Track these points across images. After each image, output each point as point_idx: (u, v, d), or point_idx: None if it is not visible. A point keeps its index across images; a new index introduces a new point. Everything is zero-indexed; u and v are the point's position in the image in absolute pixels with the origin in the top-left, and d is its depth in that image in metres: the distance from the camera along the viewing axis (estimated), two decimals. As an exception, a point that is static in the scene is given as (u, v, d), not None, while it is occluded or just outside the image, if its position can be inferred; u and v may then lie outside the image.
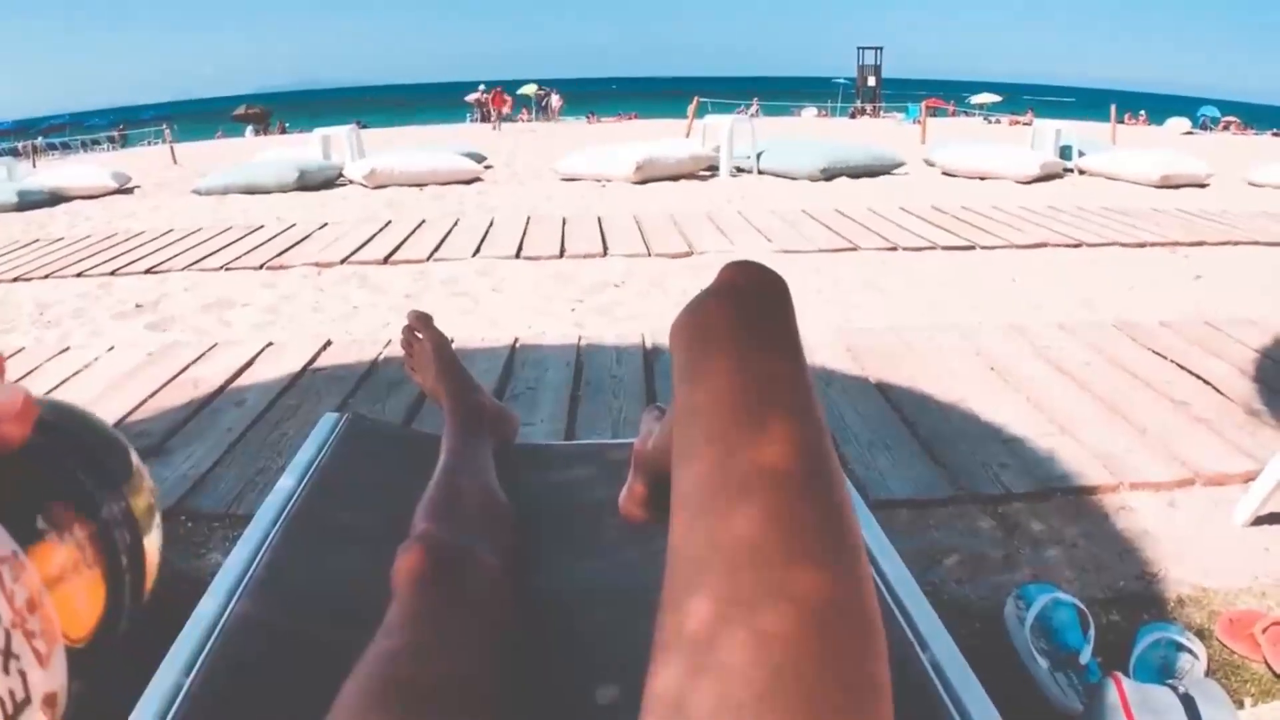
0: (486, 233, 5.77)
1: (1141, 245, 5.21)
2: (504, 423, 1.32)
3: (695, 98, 14.16)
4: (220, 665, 0.84)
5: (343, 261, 5.04)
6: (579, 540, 1.11)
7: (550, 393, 2.82)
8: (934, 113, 23.23)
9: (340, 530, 1.13)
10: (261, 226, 6.35)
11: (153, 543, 0.31)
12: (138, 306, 4.25)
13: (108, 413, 2.67)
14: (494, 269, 4.79)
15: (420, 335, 1.35)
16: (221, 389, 2.94)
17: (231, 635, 0.88)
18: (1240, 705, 1.45)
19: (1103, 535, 1.98)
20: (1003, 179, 8.47)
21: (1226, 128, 25.41)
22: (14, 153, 19.41)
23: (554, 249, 5.21)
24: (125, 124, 31.73)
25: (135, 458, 0.31)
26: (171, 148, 16.29)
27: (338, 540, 1.11)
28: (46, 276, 4.99)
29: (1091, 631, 1.52)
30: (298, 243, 5.66)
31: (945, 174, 9.21)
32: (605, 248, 5.19)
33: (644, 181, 8.45)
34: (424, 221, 6.32)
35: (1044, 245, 5.18)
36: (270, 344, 3.41)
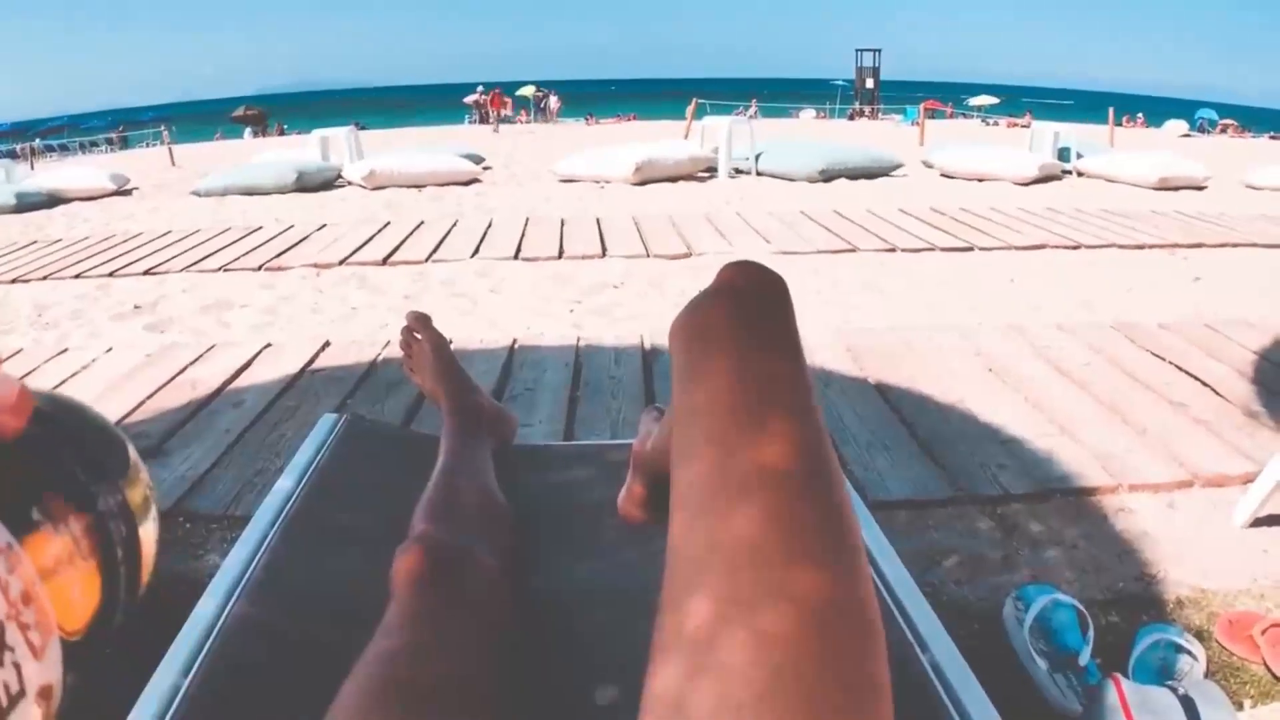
0: (485, 234, 5.77)
1: (1140, 247, 5.21)
2: (502, 423, 1.32)
3: (694, 99, 14.17)
4: (218, 666, 0.84)
5: (341, 263, 5.04)
6: (578, 541, 1.11)
7: (549, 393, 2.82)
8: (932, 115, 23.25)
9: (339, 531, 1.13)
10: (260, 228, 6.35)
11: (149, 535, 0.31)
12: (136, 308, 4.25)
13: (106, 414, 2.64)
14: (493, 270, 4.79)
15: (419, 336, 1.34)
16: (220, 390, 2.94)
17: (230, 636, 0.88)
18: (1239, 707, 1.45)
19: (1102, 536, 1.98)
20: (1001, 181, 8.48)
21: (1224, 130, 25.44)
22: (12, 154, 19.42)
23: (553, 250, 5.21)
24: (125, 125, 31.72)
25: (132, 451, 0.31)
26: (170, 149, 16.29)
27: (336, 541, 1.10)
28: (45, 278, 4.98)
29: (1091, 633, 1.52)
30: (296, 244, 5.65)
31: (944, 176, 9.22)
32: (604, 249, 5.19)
33: (642, 183, 8.45)
34: (423, 223, 6.32)
35: (1043, 247, 5.18)
36: (269, 345, 3.40)
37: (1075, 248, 5.18)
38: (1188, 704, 1.30)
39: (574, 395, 2.82)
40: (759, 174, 9.04)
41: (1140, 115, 27.15)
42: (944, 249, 5.13)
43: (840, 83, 39.89)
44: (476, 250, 5.25)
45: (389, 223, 6.36)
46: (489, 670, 0.73)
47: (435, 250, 5.29)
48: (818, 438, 0.40)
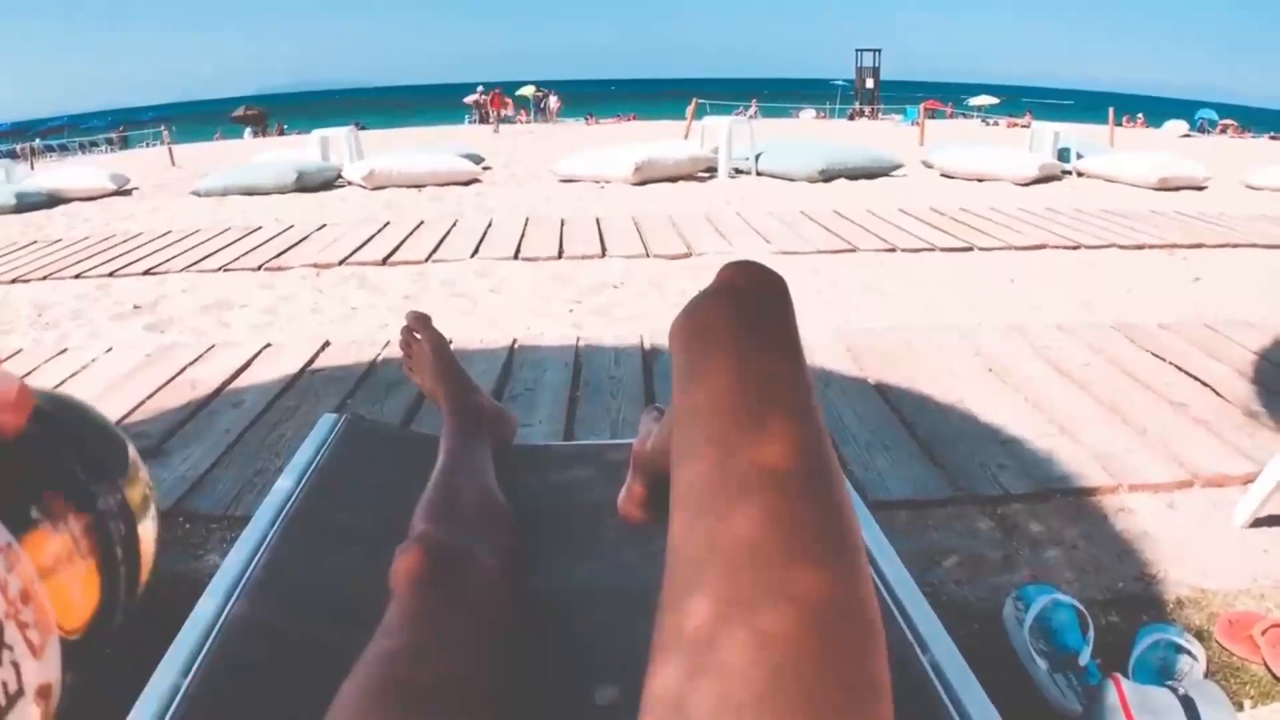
0: (485, 234, 5.77)
1: (1140, 247, 5.21)
2: (502, 423, 1.32)
3: (694, 99, 14.17)
4: (218, 666, 0.84)
5: (341, 262, 5.04)
6: (578, 541, 1.11)
7: (548, 393, 2.82)
8: (932, 115, 23.24)
9: (339, 531, 1.13)
10: (260, 228, 6.35)
11: (148, 534, 0.31)
12: (136, 308, 4.25)
13: (106, 413, 2.66)
14: (492, 270, 4.79)
15: (419, 336, 1.34)
16: (220, 390, 2.94)
17: (229, 636, 0.88)
18: (1239, 707, 1.45)
19: (1102, 536, 1.98)
20: (1001, 181, 8.49)
21: (1224, 130, 25.43)
22: (12, 154, 19.41)
23: (552, 250, 5.21)
24: (125, 125, 31.72)
25: (132, 451, 0.31)
26: (170, 149, 16.29)
27: (336, 541, 1.10)
28: (45, 278, 4.98)
29: (1091, 633, 1.52)
30: (296, 244, 5.65)
31: (943, 176, 9.22)
32: (604, 249, 5.19)
33: (642, 183, 8.45)
34: (422, 223, 6.32)
35: (1042, 247, 5.18)
36: (269, 345, 3.40)
37: (1075, 248, 5.18)
38: (1188, 704, 1.30)
39: (574, 395, 2.82)
40: (759, 174, 9.04)
41: (1140, 115, 27.14)
42: (944, 249, 5.13)
43: (840, 83, 39.88)
44: (476, 250, 5.25)
45: (389, 223, 6.36)
46: (489, 670, 0.73)
47: (435, 250, 5.29)
48: (818, 438, 0.40)
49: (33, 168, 14.99)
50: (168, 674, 0.82)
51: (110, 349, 3.47)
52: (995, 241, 5.28)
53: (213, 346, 3.41)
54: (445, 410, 1.23)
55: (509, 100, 28.87)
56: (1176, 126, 24.50)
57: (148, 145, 24.05)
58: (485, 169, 10.31)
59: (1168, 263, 4.88)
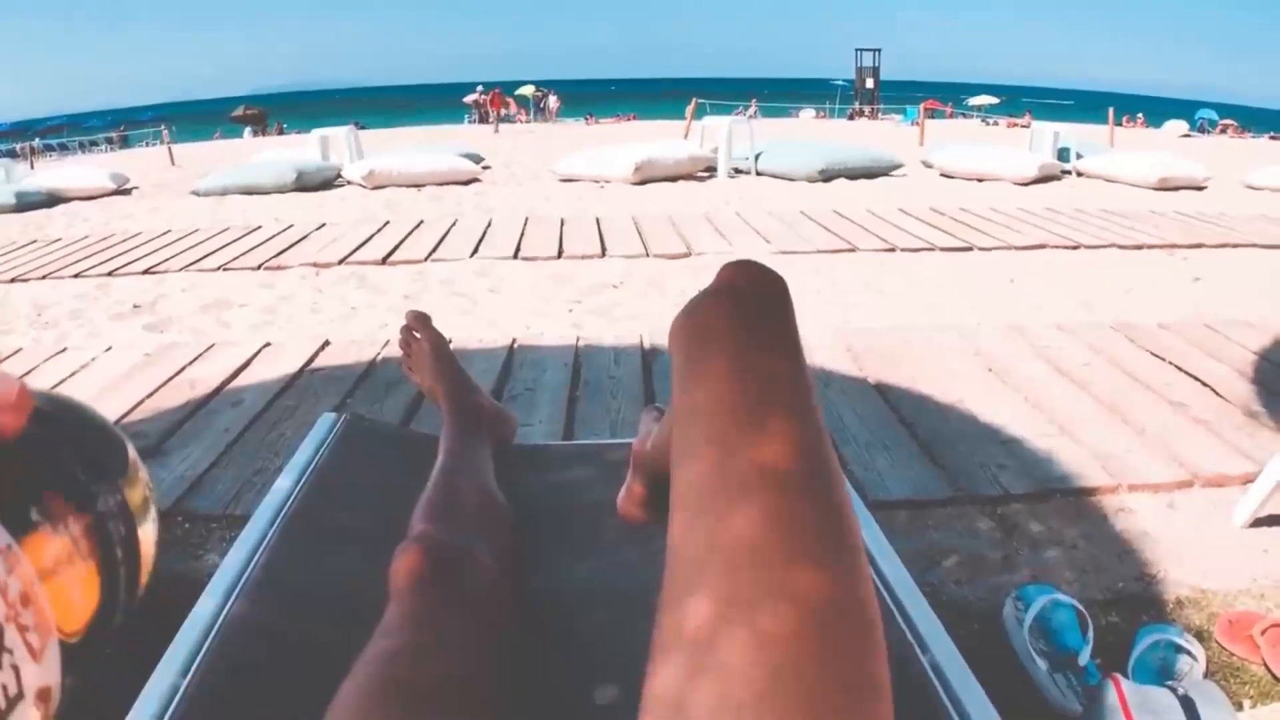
0: (484, 233, 5.77)
1: (1140, 247, 5.21)
2: (502, 423, 1.32)
3: (694, 99, 14.17)
4: (217, 666, 0.84)
5: (341, 262, 5.04)
6: (578, 541, 1.11)
7: (548, 393, 2.82)
8: (932, 114, 23.23)
9: (338, 531, 1.12)
10: (259, 227, 6.35)
11: (148, 536, 0.31)
12: (135, 307, 4.25)
13: (105, 413, 2.65)
14: (492, 270, 4.79)
15: (418, 335, 1.34)
16: (219, 389, 2.94)
17: (229, 636, 0.88)
18: (1239, 707, 1.45)
19: (1102, 536, 1.98)
20: (1001, 181, 8.49)
21: (1224, 130, 25.42)
22: (12, 154, 19.39)
23: (552, 250, 5.21)
24: (126, 125, 31.71)
25: (132, 451, 0.31)
26: (169, 149, 16.28)
27: (335, 541, 1.10)
28: (44, 277, 4.98)
29: (1090, 633, 1.52)
30: (296, 243, 5.65)
31: (943, 175, 9.22)
32: (603, 248, 5.19)
33: (642, 182, 8.45)
34: (422, 222, 6.32)
35: (1042, 247, 5.19)
36: (268, 344, 3.40)
37: (1075, 248, 5.18)
38: (1187, 704, 1.30)
39: (573, 395, 2.82)
40: (759, 174, 9.04)
41: (1140, 115, 27.15)
42: (944, 249, 5.13)
43: (840, 82, 39.86)
44: (476, 250, 5.24)
45: (388, 222, 6.36)
46: (489, 670, 0.73)
47: (435, 250, 5.29)
48: (818, 438, 0.40)
49: (32, 167, 14.98)
50: (167, 674, 0.82)
51: (109, 348, 3.47)
52: (995, 241, 5.28)
53: (212, 346, 3.41)
54: (445, 410, 1.23)
55: (510, 100, 28.87)
56: (1176, 126, 24.50)
57: (147, 145, 24.04)
58: (485, 168, 10.31)
59: (1167, 263, 4.88)
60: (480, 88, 28.87)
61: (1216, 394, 2.73)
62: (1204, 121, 27.53)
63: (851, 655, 0.33)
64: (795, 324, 0.45)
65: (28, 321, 4.08)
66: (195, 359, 3.24)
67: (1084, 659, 1.48)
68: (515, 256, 5.08)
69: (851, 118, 29.12)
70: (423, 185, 8.64)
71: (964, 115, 29.91)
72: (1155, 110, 32.30)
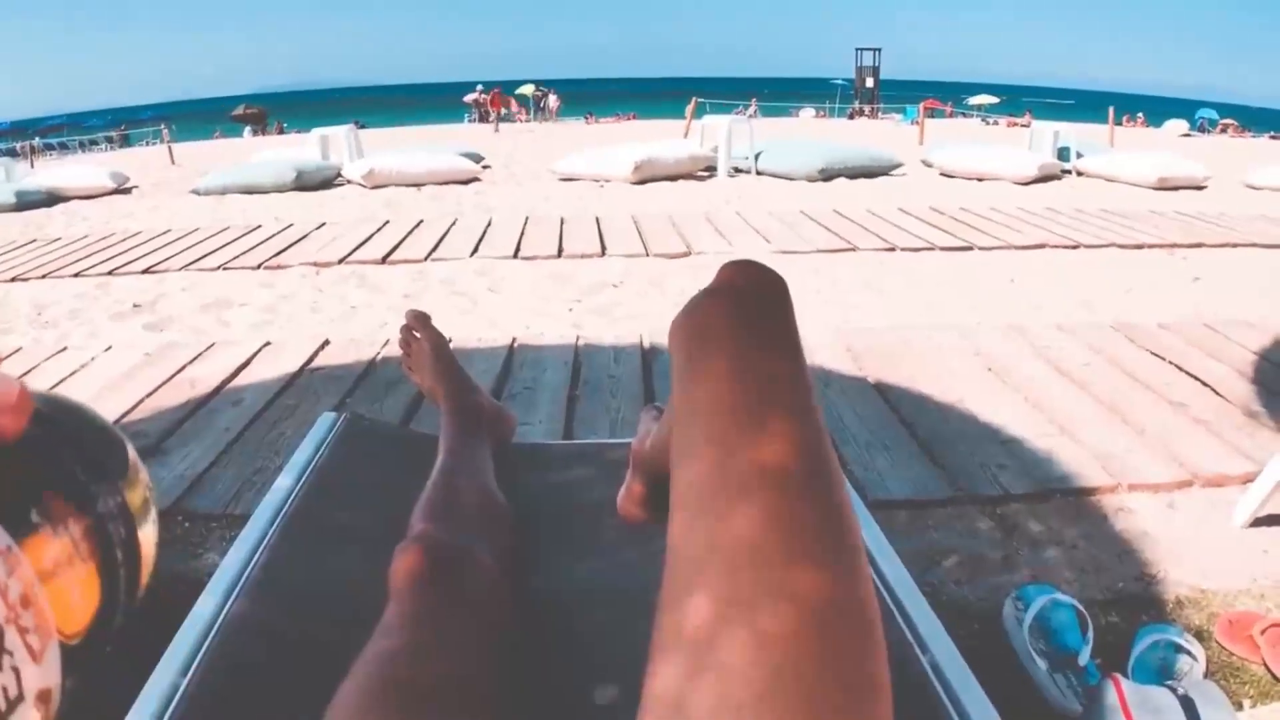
0: (484, 233, 5.77)
1: (1140, 247, 5.21)
2: (502, 423, 1.32)
3: (693, 98, 14.16)
4: (217, 665, 0.84)
5: (341, 261, 5.04)
6: (577, 540, 1.11)
7: (548, 393, 2.82)
8: (932, 114, 23.23)
9: (338, 530, 1.13)
10: (259, 226, 6.35)
11: (148, 537, 0.30)
12: (135, 306, 4.25)
13: (105, 413, 2.64)
14: (492, 269, 4.79)
15: (418, 335, 1.34)
16: (219, 389, 2.94)
17: (229, 635, 0.88)
18: (1239, 707, 1.45)
19: (1101, 536, 1.98)
20: (1001, 180, 8.49)
21: (1224, 130, 25.43)
22: (12, 153, 19.38)
23: (552, 249, 5.21)
24: (126, 124, 31.70)
25: (132, 452, 0.31)
26: (169, 148, 16.28)
27: (335, 540, 1.10)
28: (44, 276, 4.98)
29: (1090, 632, 1.52)
30: (296, 242, 5.65)
31: (943, 175, 9.22)
32: (603, 248, 5.19)
33: (642, 182, 8.45)
34: (422, 221, 6.32)
35: (1042, 246, 5.19)
36: (268, 344, 3.40)
37: (1075, 247, 5.18)
38: (1187, 704, 1.30)
39: (573, 394, 2.82)
40: (758, 173, 9.04)
41: (1140, 115, 27.16)
42: (944, 248, 5.13)
43: (840, 82, 39.86)
44: (476, 249, 5.24)
45: (388, 221, 6.36)
46: (489, 670, 0.73)
47: (434, 249, 5.29)
48: (818, 438, 0.40)
49: (32, 166, 14.98)
50: (167, 673, 0.82)
51: (109, 348, 3.47)
52: (995, 241, 5.28)
53: (212, 345, 3.41)
54: (444, 409, 1.23)
55: (510, 99, 28.86)
56: (1176, 126, 24.51)
57: (147, 144, 24.05)
58: (485, 168, 10.31)
59: (1168, 262, 4.88)
60: (480, 87, 28.87)
61: (1216, 394, 2.73)
62: (1204, 121, 27.54)
63: (851, 655, 0.33)
64: (795, 323, 0.45)
65: (27, 321, 4.08)
66: (195, 358, 3.24)
67: (1084, 659, 1.48)
68: (515, 256, 5.08)
69: (851, 117, 29.13)
70: (422, 185, 8.64)
71: (964, 115, 29.91)
72: (1155, 110, 32.31)
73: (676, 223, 5.97)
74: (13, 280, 4.95)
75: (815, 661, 0.32)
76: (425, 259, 5.06)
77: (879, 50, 33.42)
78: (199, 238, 5.97)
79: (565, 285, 4.40)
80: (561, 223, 6.08)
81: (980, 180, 8.62)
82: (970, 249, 5.13)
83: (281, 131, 28.15)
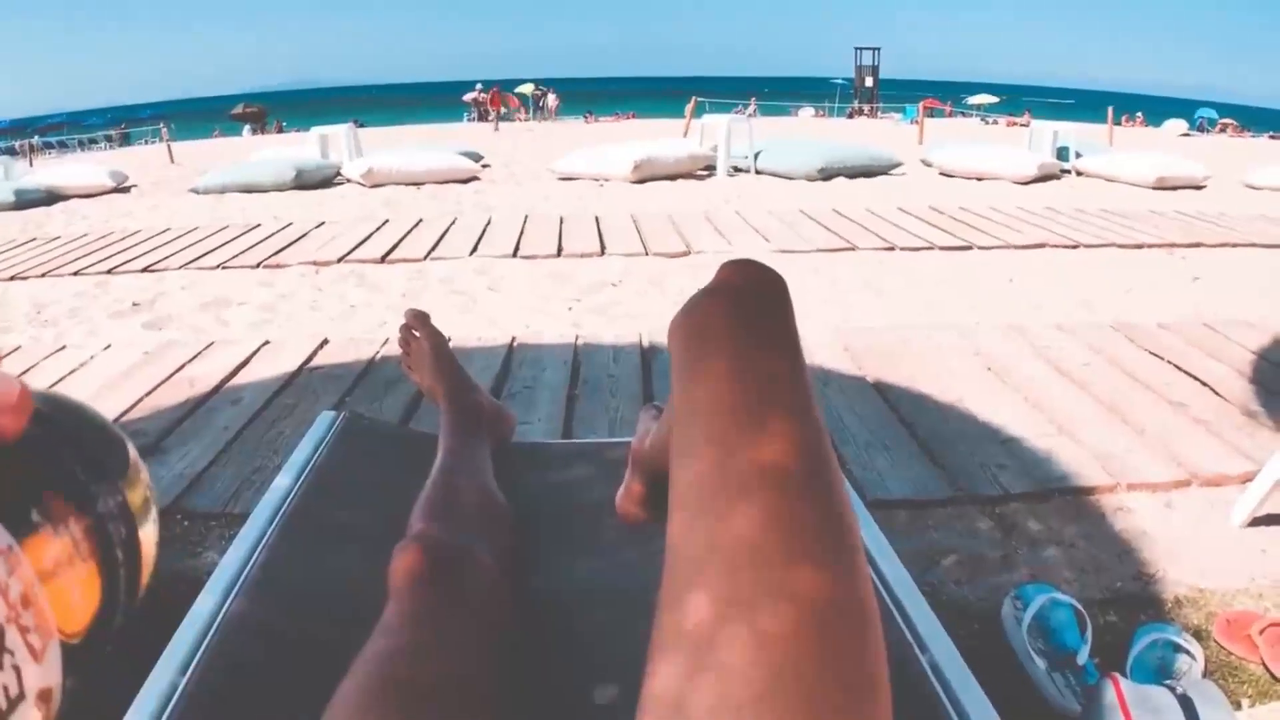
0: (484, 232, 5.76)
1: (1139, 247, 5.21)
2: (501, 422, 1.32)
3: (693, 97, 14.16)
4: (216, 664, 0.84)
5: (340, 260, 5.04)
6: (577, 540, 1.11)
7: (547, 392, 2.82)
8: (931, 113, 23.22)
9: (337, 529, 1.12)
10: (259, 225, 6.35)
11: (149, 537, 0.30)
12: (134, 305, 4.25)
13: (104, 411, 2.63)
14: (491, 268, 4.79)
15: (417, 334, 1.34)
16: (218, 387, 2.94)
17: (227, 634, 0.88)
18: (1237, 706, 1.45)
19: (1101, 536, 1.98)
20: (1000, 180, 8.48)
21: (1224, 130, 25.43)
22: (11, 151, 19.36)
23: (551, 248, 5.20)
24: (126, 123, 31.68)
25: (132, 451, 0.31)
26: (169, 146, 16.26)
27: (334, 539, 1.10)
28: (43, 275, 4.98)
29: (1089, 632, 1.52)
30: (295, 241, 5.65)
31: (943, 174, 9.22)
32: (603, 247, 5.19)
33: (641, 181, 8.45)
34: (421, 220, 6.32)
35: (1042, 246, 5.19)
36: (267, 342, 3.40)
37: (1074, 247, 5.18)
38: (1186, 703, 1.30)
39: (572, 393, 2.82)
40: (758, 172, 9.03)
41: (1140, 114, 27.17)
42: (943, 248, 5.13)
43: (839, 81, 39.83)
44: (475, 248, 5.24)
45: (387, 220, 6.35)
46: (488, 670, 0.73)
47: (434, 248, 5.29)
48: (817, 437, 0.40)
49: (32, 165, 14.96)
50: (166, 672, 0.82)
51: (109, 346, 3.47)
52: (994, 240, 5.28)
53: (211, 344, 3.41)
54: (444, 408, 1.23)
55: (511, 97, 28.85)
56: (1176, 126, 24.53)
57: (146, 142, 24.05)
58: (484, 167, 10.31)
59: (1167, 262, 4.88)
60: (479, 86, 28.85)
61: (1216, 394, 2.74)
62: (1203, 121, 27.54)
63: (851, 655, 0.33)
64: (794, 323, 0.45)
65: (26, 320, 4.07)
66: (194, 357, 3.24)
67: (1082, 658, 1.48)
68: (514, 255, 5.07)
69: (851, 116, 29.14)
70: (422, 184, 8.64)
71: (963, 114, 29.93)
72: (1155, 109, 32.32)
73: (676, 222, 5.97)
74: (12, 279, 4.94)
75: (815, 661, 0.32)
76: (424, 258, 5.06)
77: (878, 50, 33.43)
78: (198, 236, 5.97)
79: (565, 284, 4.40)
80: (561, 222, 6.08)
81: (980, 180, 8.62)
82: (970, 249, 5.13)
83: (281, 130, 28.13)
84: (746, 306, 0.45)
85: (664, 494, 0.42)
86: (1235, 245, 5.29)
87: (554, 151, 10.87)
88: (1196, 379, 2.86)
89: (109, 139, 26.69)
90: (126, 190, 9.52)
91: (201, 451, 2.43)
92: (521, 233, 5.70)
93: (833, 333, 3.38)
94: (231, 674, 0.84)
